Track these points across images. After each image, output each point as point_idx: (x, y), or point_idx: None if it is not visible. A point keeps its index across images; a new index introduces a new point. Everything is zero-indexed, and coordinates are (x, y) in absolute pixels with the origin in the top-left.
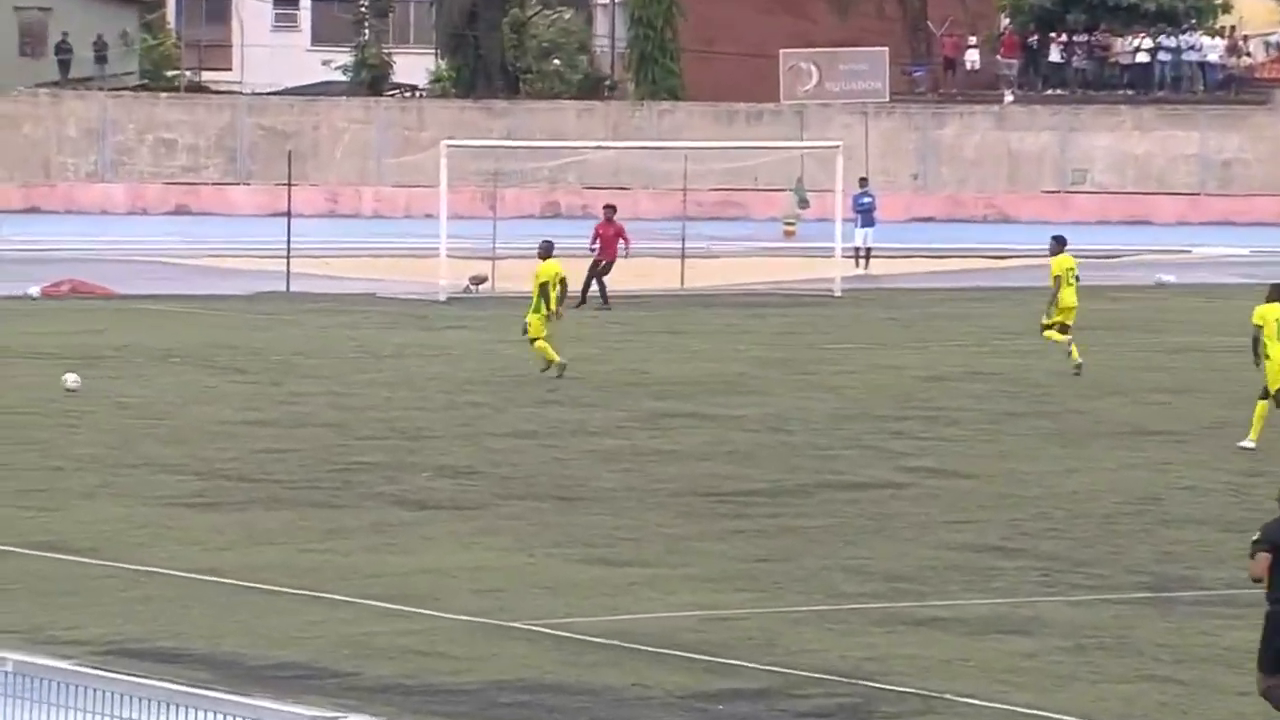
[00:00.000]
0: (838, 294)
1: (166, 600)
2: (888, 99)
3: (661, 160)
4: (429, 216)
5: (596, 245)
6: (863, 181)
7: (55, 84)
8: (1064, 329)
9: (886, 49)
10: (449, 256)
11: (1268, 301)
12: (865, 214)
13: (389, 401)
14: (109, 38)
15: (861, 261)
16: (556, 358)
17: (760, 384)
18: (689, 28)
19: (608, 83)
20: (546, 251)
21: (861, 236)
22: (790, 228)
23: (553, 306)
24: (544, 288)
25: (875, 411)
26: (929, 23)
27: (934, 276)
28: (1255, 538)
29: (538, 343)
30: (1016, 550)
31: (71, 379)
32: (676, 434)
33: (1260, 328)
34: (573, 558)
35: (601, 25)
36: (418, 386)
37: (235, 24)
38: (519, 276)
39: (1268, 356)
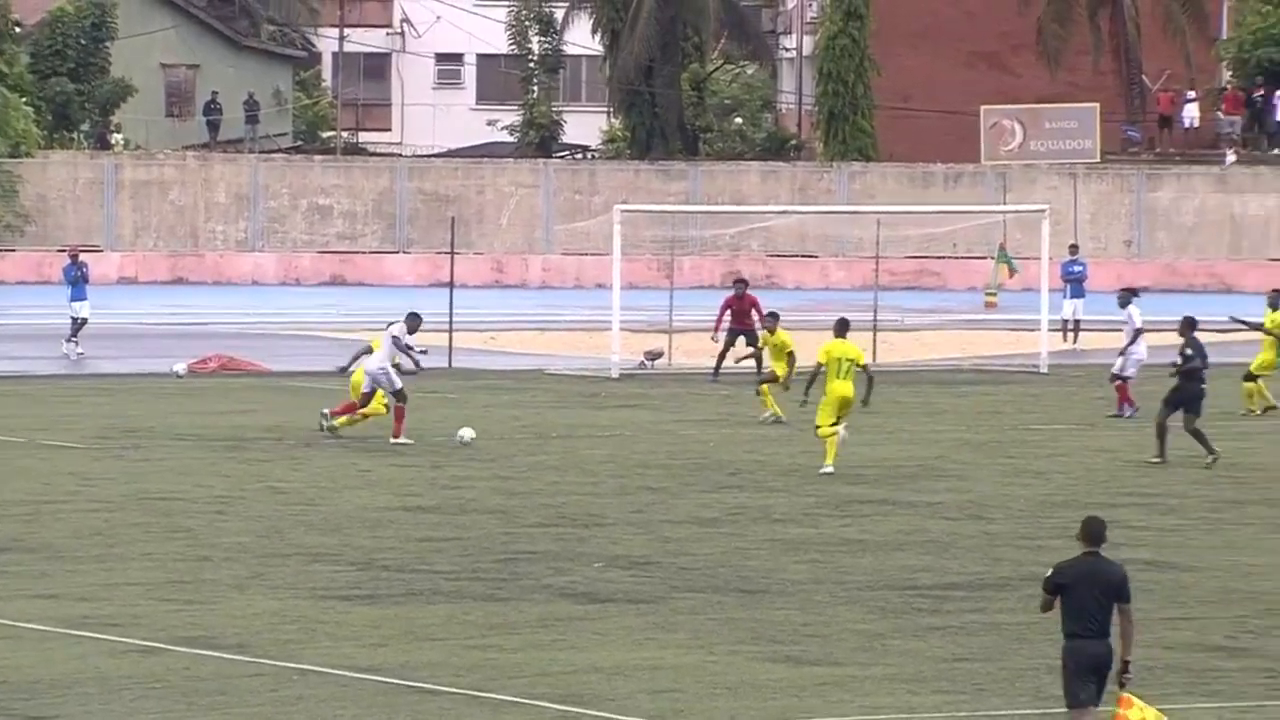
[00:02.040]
0: (1044, 370)
1: (320, 700)
2: (1099, 159)
3: (852, 226)
4: (601, 286)
5: (725, 324)
6: (1073, 249)
7: (203, 146)
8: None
9: (1097, 105)
10: (622, 330)
11: (836, 337)
12: (1075, 284)
13: (557, 486)
14: (261, 97)
15: (1070, 335)
16: (341, 423)
17: (959, 468)
18: (883, 83)
19: (794, 142)
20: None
21: (1070, 308)
22: (992, 299)
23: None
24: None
25: (1085, 498)
26: (1144, 77)
27: (1149, 352)
28: (1046, 575)
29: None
30: (1242, 650)
31: (467, 433)
32: (868, 522)
33: (823, 365)
34: (756, 655)
35: (787, 81)
36: (588, 470)
37: (395, 82)
38: (698, 351)
39: (824, 392)
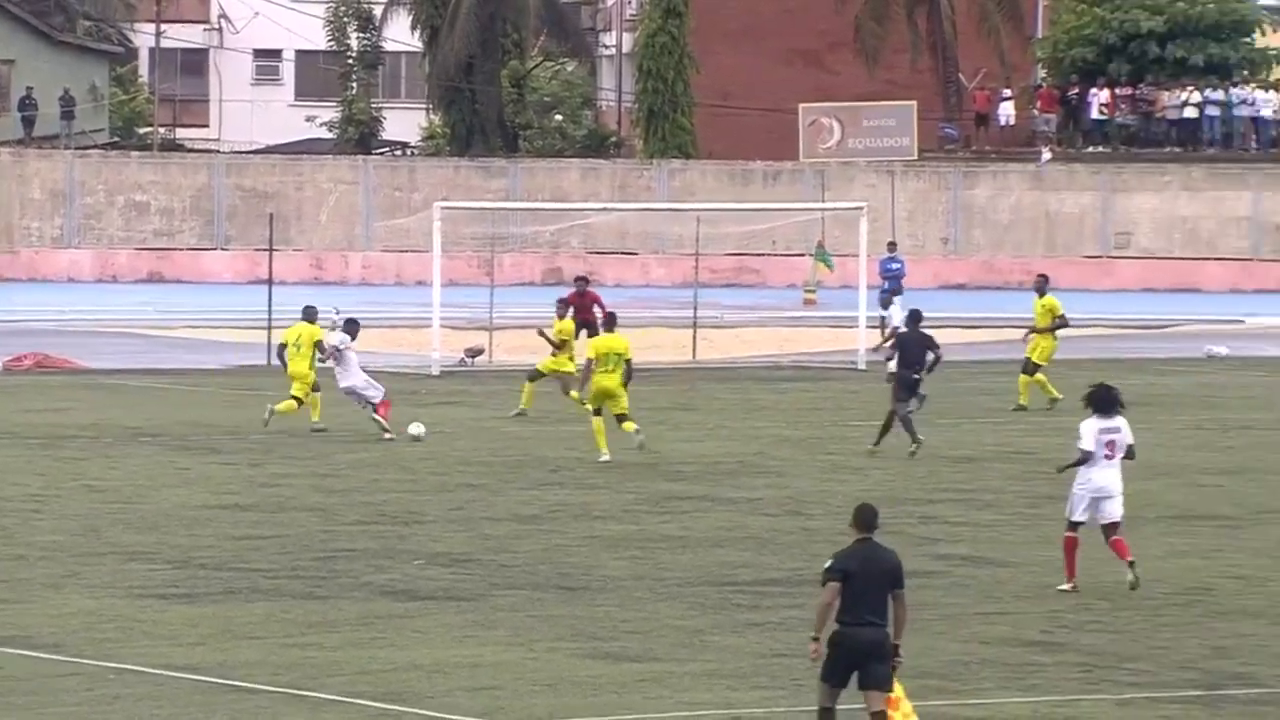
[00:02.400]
0: (862, 367)
1: (137, 699)
2: (916, 157)
3: (672, 223)
4: (421, 284)
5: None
6: (891, 246)
7: (18, 142)
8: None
9: (914, 103)
10: (442, 327)
11: (605, 332)
12: (893, 281)
13: (377, 484)
14: (76, 92)
15: (888, 332)
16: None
17: (779, 464)
18: (702, 81)
19: (614, 140)
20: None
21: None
22: (811, 296)
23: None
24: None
25: (903, 494)
26: (961, 75)
27: (966, 348)
28: (827, 565)
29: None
30: (1057, 645)
31: (416, 428)
32: (688, 518)
33: (593, 360)
34: (576, 652)
35: (607, 78)
36: (408, 467)
37: (213, 78)
38: (519, 349)
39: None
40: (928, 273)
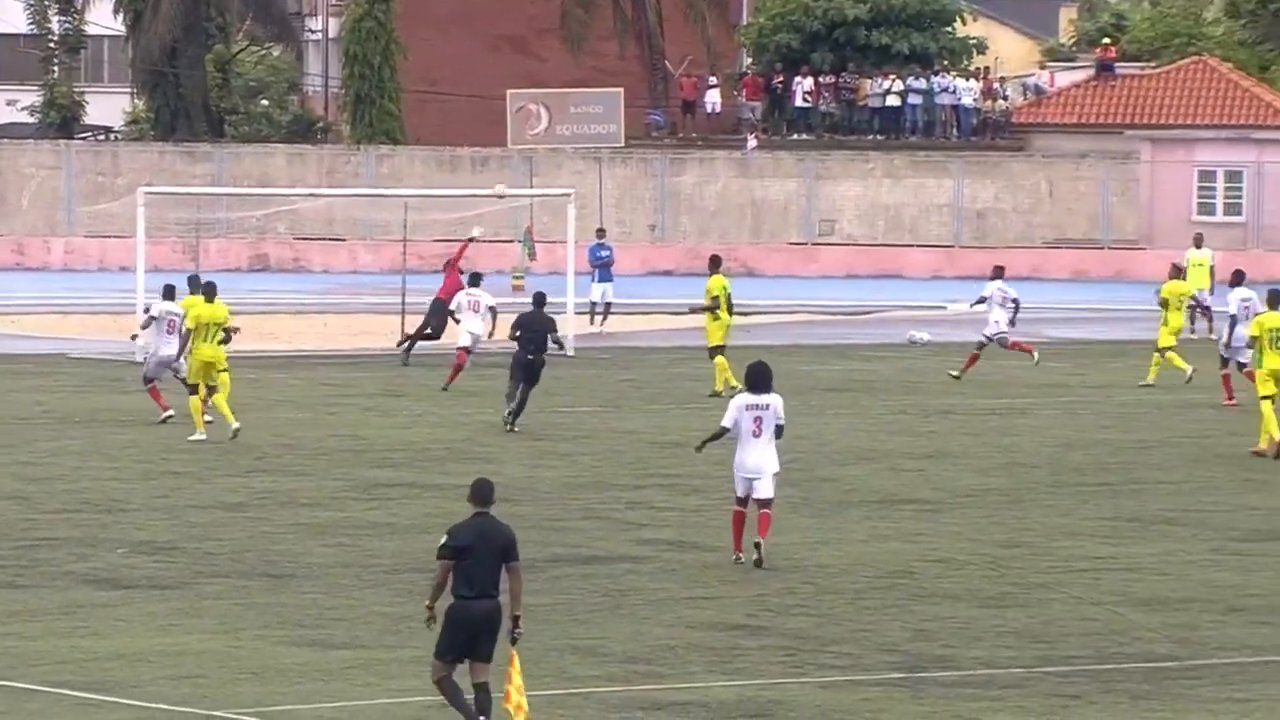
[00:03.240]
0: (570, 353)
1: None
2: (623, 144)
3: (379, 209)
4: (125, 269)
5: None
6: (600, 232)
7: None
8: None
9: (621, 90)
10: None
11: (205, 301)
12: (603, 268)
13: (80, 471)
14: None
15: (597, 318)
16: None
17: (486, 451)
18: (409, 67)
19: (321, 125)
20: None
21: (599, 292)
22: (519, 282)
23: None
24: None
25: (610, 480)
26: (667, 62)
27: (673, 334)
28: (442, 541)
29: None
30: (761, 628)
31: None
32: (395, 505)
33: (192, 329)
34: (282, 640)
35: (314, 63)
36: (112, 455)
37: None
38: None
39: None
40: (636, 259)
